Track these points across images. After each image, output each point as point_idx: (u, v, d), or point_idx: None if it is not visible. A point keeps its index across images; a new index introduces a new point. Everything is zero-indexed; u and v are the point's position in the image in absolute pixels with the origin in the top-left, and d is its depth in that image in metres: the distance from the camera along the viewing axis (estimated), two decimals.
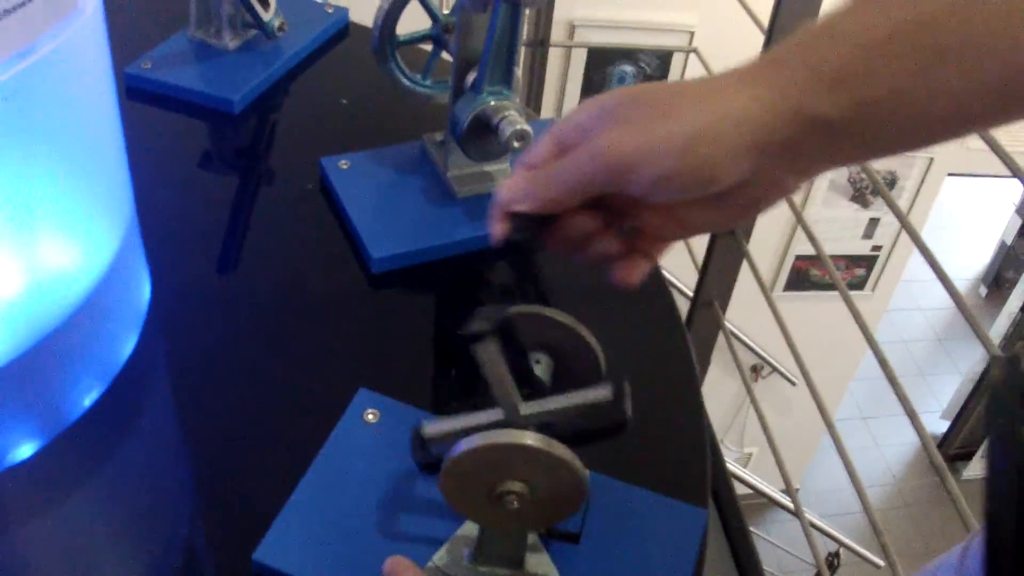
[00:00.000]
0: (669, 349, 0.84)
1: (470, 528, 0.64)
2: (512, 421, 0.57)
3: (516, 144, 0.83)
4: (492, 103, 0.84)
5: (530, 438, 0.53)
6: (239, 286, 0.85)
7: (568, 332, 0.61)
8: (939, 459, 1.11)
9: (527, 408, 0.57)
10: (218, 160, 1.01)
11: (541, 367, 0.61)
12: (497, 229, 0.56)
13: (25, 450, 0.70)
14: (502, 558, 0.62)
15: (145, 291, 0.82)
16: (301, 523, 0.65)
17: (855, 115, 0.47)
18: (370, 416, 0.71)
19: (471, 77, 0.86)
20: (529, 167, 0.55)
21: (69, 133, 0.69)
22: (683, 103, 0.50)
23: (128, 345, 0.78)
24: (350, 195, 0.90)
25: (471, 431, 0.55)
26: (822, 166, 0.51)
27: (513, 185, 0.55)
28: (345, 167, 0.93)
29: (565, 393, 0.58)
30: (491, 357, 0.56)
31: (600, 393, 0.57)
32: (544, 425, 0.57)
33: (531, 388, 0.60)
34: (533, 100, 2.23)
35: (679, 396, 0.80)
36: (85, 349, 0.73)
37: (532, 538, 0.63)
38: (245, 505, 0.69)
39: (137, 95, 1.06)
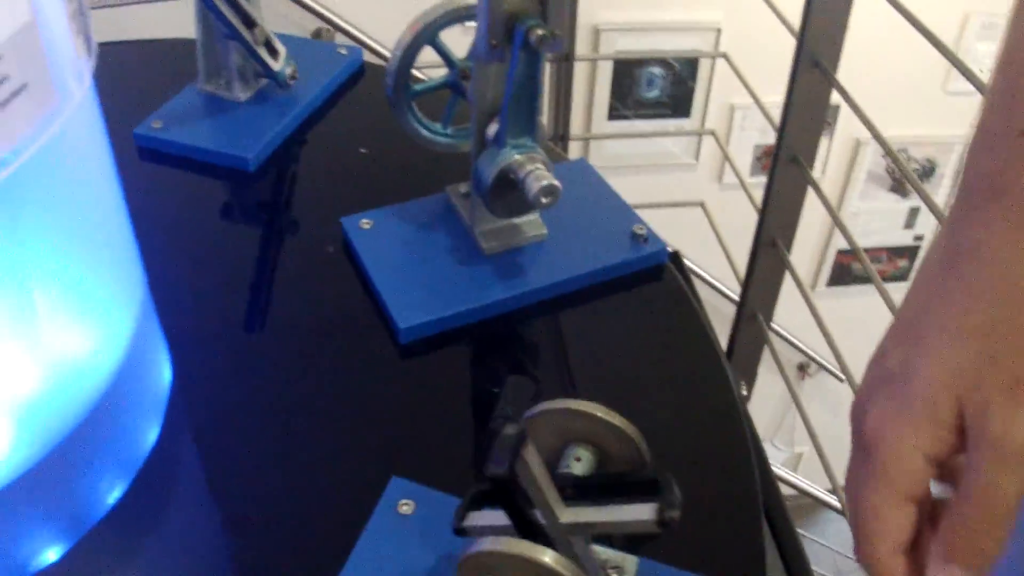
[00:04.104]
0: (719, 415, 0.79)
1: None
2: (550, 530, 0.54)
3: (544, 200, 0.79)
4: (516, 157, 0.80)
5: (548, 556, 0.51)
6: (262, 362, 0.82)
7: (605, 424, 0.57)
8: None
9: (568, 515, 0.53)
10: (234, 222, 0.97)
11: (581, 464, 0.57)
12: None
13: (50, 555, 0.67)
14: None
15: (165, 373, 0.78)
16: None
17: None
18: (404, 508, 0.67)
19: (493, 128, 0.81)
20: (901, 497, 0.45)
21: (70, 223, 0.66)
22: None
23: (151, 435, 0.75)
24: (374, 259, 0.86)
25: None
26: None
27: None
28: (367, 226, 0.89)
29: (608, 505, 0.54)
30: (526, 466, 0.52)
31: (643, 514, 0.53)
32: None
33: (572, 484, 0.56)
34: (561, 115, 2.19)
35: (732, 470, 0.75)
36: (106, 444, 0.70)
37: None
38: None
39: (149, 156, 1.02)
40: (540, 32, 0.75)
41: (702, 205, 2.39)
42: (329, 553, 0.65)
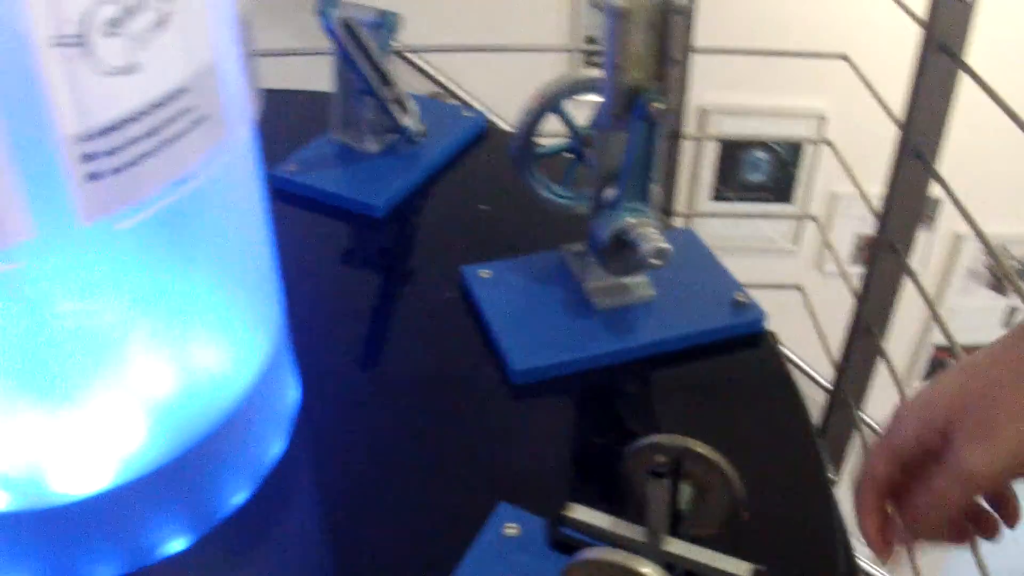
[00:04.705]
0: (808, 491, 0.82)
1: None
2: (650, 550, 0.58)
3: (655, 261, 0.84)
4: (631, 219, 0.85)
5: (650, 569, 0.55)
6: (382, 392, 0.87)
7: (716, 468, 0.61)
8: None
9: (669, 545, 0.57)
10: (361, 264, 1.04)
11: (685, 499, 0.61)
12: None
13: (176, 545, 0.73)
14: None
15: (294, 395, 0.84)
16: None
17: None
18: (510, 530, 0.72)
19: (610, 192, 0.87)
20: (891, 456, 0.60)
21: (223, 249, 0.73)
22: None
23: (276, 448, 0.80)
24: (491, 305, 0.92)
25: (608, 536, 0.58)
26: None
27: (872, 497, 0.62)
28: (486, 276, 0.95)
29: (707, 549, 0.58)
30: (661, 495, 0.56)
31: (739, 570, 0.58)
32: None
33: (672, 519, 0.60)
34: (666, 191, 2.23)
35: (817, 549, 0.77)
36: (235, 453, 0.76)
37: None
38: None
39: (282, 197, 1.10)
40: (658, 105, 0.81)
41: (800, 289, 2.41)
42: (434, 567, 0.70)
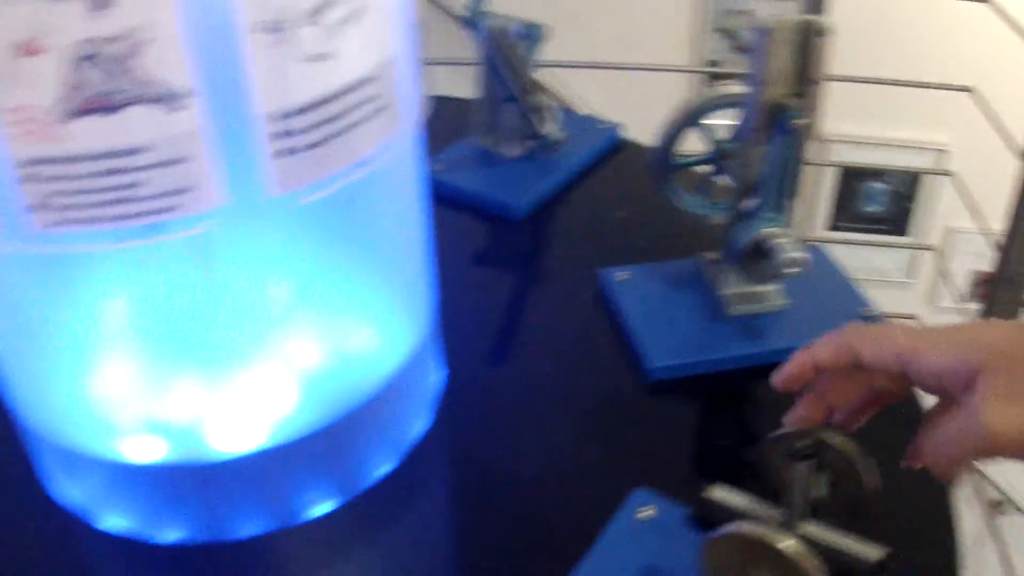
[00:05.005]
0: (925, 518, 0.82)
1: None
2: (786, 528, 0.60)
3: (790, 269, 0.87)
4: (769, 229, 0.89)
5: (792, 543, 0.58)
6: (522, 383, 0.92)
7: (846, 459, 0.63)
8: None
9: (805, 526, 0.60)
10: (501, 262, 1.09)
11: (820, 485, 0.64)
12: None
13: (321, 509, 0.78)
14: None
15: (438, 379, 0.89)
16: None
17: None
18: (644, 513, 0.75)
19: (749, 202, 0.90)
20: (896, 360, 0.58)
21: (388, 234, 0.78)
22: None
23: (419, 427, 0.85)
24: (628, 306, 0.96)
25: (749, 515, 0.61)
26: None
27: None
28: (623, 279, 0.99)
29: (840, 532, 0.61)
30: (800, 478, 0.60)
31: (870, 554, 0.60)
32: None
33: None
34: None
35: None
36: (381, 427, 0.80)
37: None
38: None
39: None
40: (800, 121, 0.84)
41: (915, 319, 2.40)
42: (568, 549, 0.73)
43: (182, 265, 0.63)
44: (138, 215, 0.57)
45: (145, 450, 0.72)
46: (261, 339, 0.72)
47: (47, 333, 0.69)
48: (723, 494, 0.64)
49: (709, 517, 0.64)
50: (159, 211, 0.57)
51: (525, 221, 1.13)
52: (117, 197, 0.56)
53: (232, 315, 0.68)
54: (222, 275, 0.65)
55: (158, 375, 0.72)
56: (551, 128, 1.18)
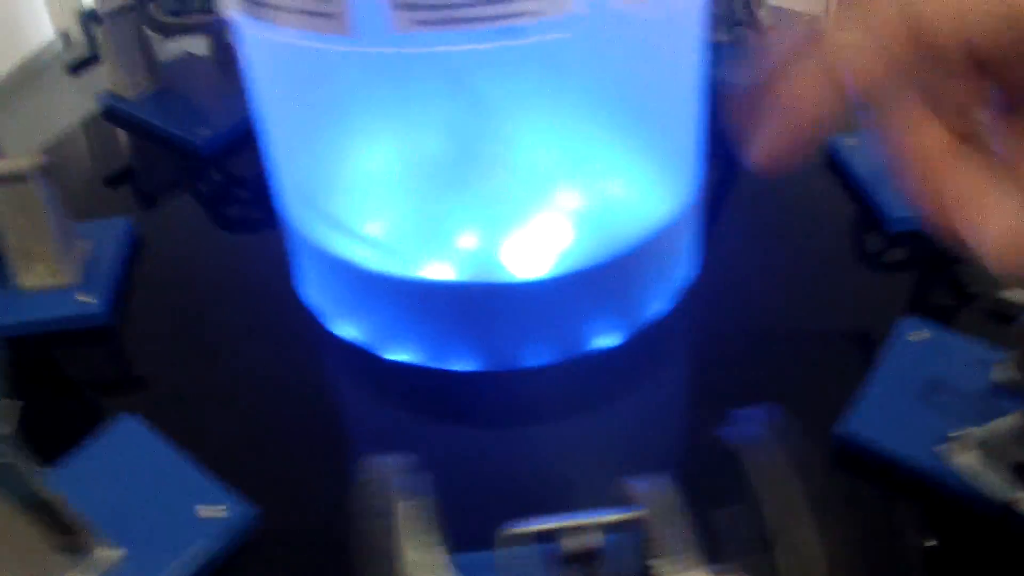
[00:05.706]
0: None
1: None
2: None
3: None
4: None
5: None
6: (774, 239, 0.96)
7: None
8: None
9: None
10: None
11: None
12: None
13: (603, 341, 0.81)
14: None
15: (700, 236, 0.90)
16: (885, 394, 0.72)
17: None
18: (917, 336, 0.77)
19: None
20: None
21: (684, 80, 0.78)
22: None
23: (689, 273, 0.88)
24: (861, 165, 0.99)
25: None
26: None
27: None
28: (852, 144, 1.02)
29: None
30: None
31: None
32: None
33: None
34: None
35: None
36: (655, 269, 0.82)
37: None
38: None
39: None
40: None
41: None
42: (849, 374, 0.75)
43: (523, 73, 0.65)
44: (497, 17, 0.59)
45: (436, 271, 0.75)
46: (555, 168, 0.74)
47: (365, 136, 0.72)
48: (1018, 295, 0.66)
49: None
50: (518, 14, 0.59)
51: None
52: None
53: (534, 137, 0.70)
54: (557, 88, 0.67)
55: (453, 192, 0.75)
56: None
